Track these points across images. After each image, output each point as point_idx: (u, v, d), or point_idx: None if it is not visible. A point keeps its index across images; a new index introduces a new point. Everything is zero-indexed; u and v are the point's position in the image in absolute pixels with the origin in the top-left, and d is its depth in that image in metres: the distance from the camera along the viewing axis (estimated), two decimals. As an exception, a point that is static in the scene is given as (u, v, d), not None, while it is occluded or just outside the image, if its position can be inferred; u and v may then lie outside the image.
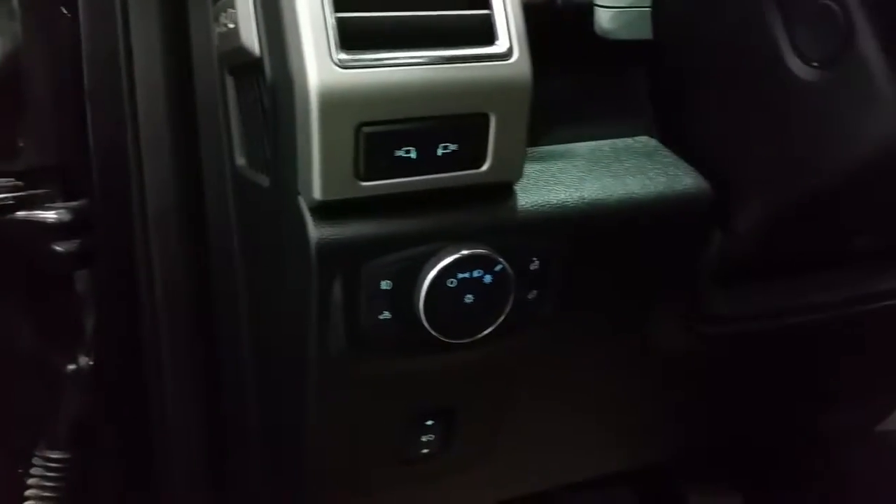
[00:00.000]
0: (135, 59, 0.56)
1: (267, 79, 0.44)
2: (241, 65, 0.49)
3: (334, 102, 0.38)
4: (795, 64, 0.45)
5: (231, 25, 0.49)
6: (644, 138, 0.55)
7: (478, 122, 0.42)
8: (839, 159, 0.44)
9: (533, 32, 0.46)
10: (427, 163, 0.42)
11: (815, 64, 0.44)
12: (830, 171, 0.45)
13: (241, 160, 0.54)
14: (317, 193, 0.41)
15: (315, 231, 0.42)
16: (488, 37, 0.42)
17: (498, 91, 0.42)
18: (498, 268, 0.45)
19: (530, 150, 0.52)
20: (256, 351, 0.58)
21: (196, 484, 0.65)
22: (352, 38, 0.39)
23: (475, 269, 0.44)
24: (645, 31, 0.53)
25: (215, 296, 0.60)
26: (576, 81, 0.54)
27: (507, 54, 0.42)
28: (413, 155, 0.41)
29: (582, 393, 0.64)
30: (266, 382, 0.58)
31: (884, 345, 0.77)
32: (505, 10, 0.42)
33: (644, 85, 0.56)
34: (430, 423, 0.56)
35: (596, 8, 0.51)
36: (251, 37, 0.46)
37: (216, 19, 0.52)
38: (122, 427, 0.68)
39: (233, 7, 0.49)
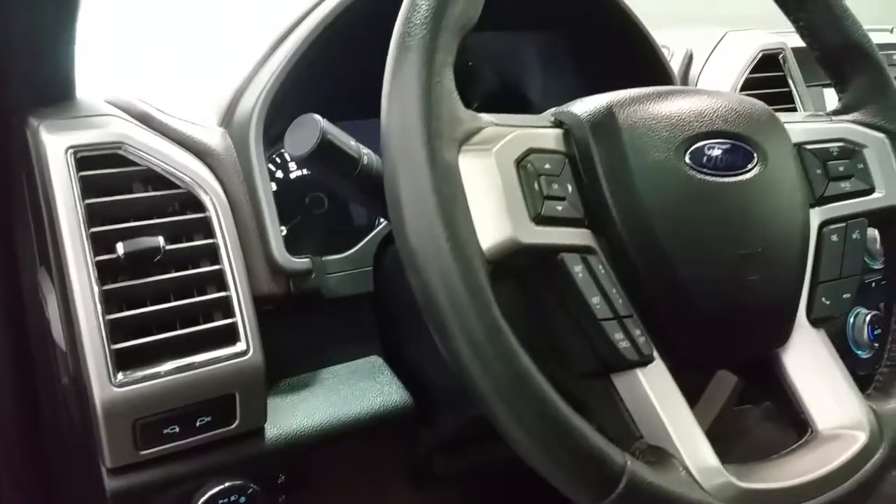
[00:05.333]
0: None
1: (70, 369, 0.60)
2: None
3: (113, 412, 0.55)
4: None
5: (45, 313, 0.65)
6: (373, 358, 0.74)
7: (226, 399, 0.60)
8: None
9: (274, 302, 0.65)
10: (189, 432, 0.59)
11: None
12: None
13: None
14: (108, 463, 0.57)
15: (109, 483, 0.59)
16: (231, 338, 0.60)
17: (239, 378, 0.60)
18: (250, 491, 0.63)
19: (283, 381, 0.71)
20: None
21: None
22: (127, 360, 0.56)
23: (233, 494, 0.62)
24: (365, 286, 0.72)
25: None
26: (316, 324, 0.73)
27: (245, 352, 0.60)
28: (177, 430, 0.59)
29: None
30: None
31: None
32: (243, 317, 0.61)
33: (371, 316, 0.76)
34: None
35: (322, 276, 0.70)
36: (59, 334, 0.62)
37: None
38: None
39: (44, 299, 0.65)
